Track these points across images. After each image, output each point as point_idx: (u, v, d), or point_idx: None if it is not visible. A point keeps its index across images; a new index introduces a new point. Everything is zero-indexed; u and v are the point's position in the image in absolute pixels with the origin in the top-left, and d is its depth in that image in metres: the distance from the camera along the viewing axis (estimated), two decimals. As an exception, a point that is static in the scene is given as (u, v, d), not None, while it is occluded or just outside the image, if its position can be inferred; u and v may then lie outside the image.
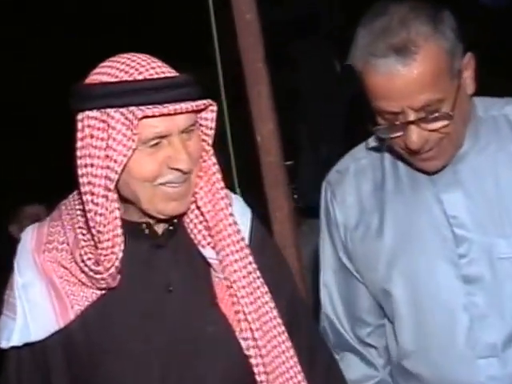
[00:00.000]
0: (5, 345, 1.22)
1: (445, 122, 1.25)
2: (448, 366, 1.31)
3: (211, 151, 1.26)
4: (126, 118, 1.12)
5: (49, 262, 1.22)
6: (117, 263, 1.18)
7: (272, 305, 1.28)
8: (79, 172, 1.16)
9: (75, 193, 1.26)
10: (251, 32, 2.13)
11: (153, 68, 1.17)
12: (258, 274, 1.28)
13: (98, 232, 1.15)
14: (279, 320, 1.28)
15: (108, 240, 1.15)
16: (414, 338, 1.38)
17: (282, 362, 1.25)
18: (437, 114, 1.25)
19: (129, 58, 1.19)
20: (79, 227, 1.21)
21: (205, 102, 1.20)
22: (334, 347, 1.50)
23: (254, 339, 1.23)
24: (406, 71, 1.21)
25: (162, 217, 1.22)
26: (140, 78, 1.14)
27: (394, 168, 1.41)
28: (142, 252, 1.25)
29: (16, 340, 1.21)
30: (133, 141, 1.13)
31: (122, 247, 1.18)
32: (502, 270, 1.29)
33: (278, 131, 2.21)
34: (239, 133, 2.35)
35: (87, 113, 1.15)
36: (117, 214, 1.17)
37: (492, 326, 1.28)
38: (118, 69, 1.16)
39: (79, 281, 1.21)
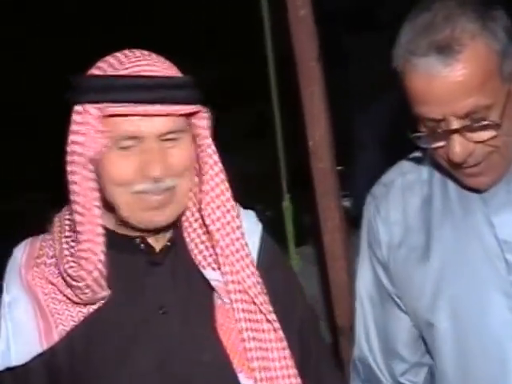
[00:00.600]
0: None
1: (493, 133, 1.09)
2: None
3: (211, 161, 1.14)
4: (99, 115, 1.06)
5: (37, 278, 1.15)
6: (99, 266, 1.09)
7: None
8: (67, 169, 1.11)
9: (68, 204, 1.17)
10: (305, 29, 2.01)
11: (140, 66, 1.08)
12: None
13: (78, 232, 1.08)
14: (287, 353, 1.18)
15: (87, 241, 1.08)
16: (458, 380, 1.22)
17: None
18: (484, 123, 1.09)
19: (125, 54, 1.12)
20: (65, 236, 1.14)
21: (192, 107, 1.09)
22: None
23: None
24: (447, 72, 1.07)
25: (143, 227, 1.12)
26: (123, 73, 1.08)
27: (443, 184, 1.26)
28: (137, 269, 1.16)
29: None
30: (102, 138, 1.07)
31: (104, 249, 1.10)
32: None
33: (330, 136, 2.08)
34: (289, 136, 2.23)
35: (74, 107, 1.09)
36: (96, 212, 1.09)
37: None
38: (108, 62, 1.10)
39: (65, 297, 1.12)
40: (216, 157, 1.14)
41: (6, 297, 1.15)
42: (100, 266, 1.09)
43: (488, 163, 1.13)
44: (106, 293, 1.12)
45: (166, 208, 1.11)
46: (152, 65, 1.09)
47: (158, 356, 1.12)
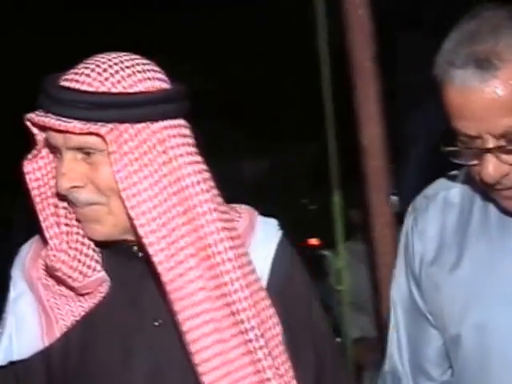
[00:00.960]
0: None
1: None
2: None
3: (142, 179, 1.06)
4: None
5: (41, 271, 1.15)
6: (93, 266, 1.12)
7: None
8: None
9: None
10: (362, 28, 2.02)
11: (74, 75, 1.08)
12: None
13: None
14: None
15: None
16: None
17: None
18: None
19: (85, 61, 1.10)
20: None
21: (87, 127, 1.03)
22: None
23: None
24: (483, 87, 1.01)
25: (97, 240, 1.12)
26: (61, 84, 1.07)
27: (484, 204, 1.20)
28: (134, 276, 1.14)
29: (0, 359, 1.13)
30: (41, 141, 1.10)
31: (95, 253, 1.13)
32: None
33: (383, 134, 2.12)
34: (341, 133, 2.27)
35: None
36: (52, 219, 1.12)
37: None
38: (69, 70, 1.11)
39: (65, 290, 1.13)
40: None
41: (12, 293, 1.17)
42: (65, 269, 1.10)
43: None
44: (99, 275, 1.13)
45: (99, 224, 1.09)
46: (87, 75, 1.07)
47: (152, 364, 1.12)
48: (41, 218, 1.11)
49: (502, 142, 1.03)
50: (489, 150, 1.04)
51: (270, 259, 1.18)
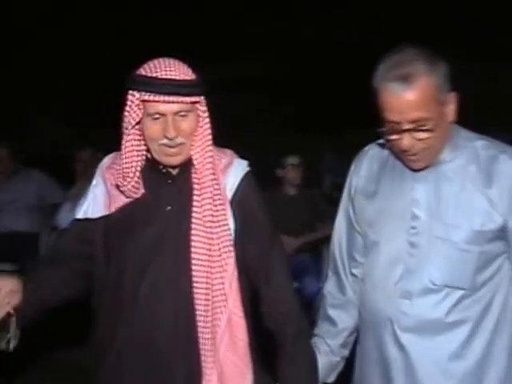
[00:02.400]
0: (77, 215, 1.84)
1: (427, 135, 1.70)
2: (381, 301, 1.83)
3: (205, 127, 1.76)
4: (138, 99, 1.69)
5: (109, 175, 1.82)
6: (135, 179, 1.76)
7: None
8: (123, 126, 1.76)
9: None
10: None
11: (164, 70, 1.68)
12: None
13: (125, 163, 1.76)
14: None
15: (131, 166, 1.76)
16: (370, 278, 1.89)
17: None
18: (423, 128, 1.69)
19: (159, 61, 1.72)
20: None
21: (191, 99, 1.70)
22: (329, 269, 2.07)
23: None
24: (404, 94, 1.67)
25: (165, 165, 1.76)
26: (153, 75, 1.68)
27: (393, 159, 1.87)
28: (159, 183, 1.79)
29: (81, 214, 1.83)
30: (139, 113, 1.71)
31: (137, 172, 1.76)
32: (434, 245, 1.76)
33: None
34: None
35: (129, 90, 1.72)
36: (135, 153, 1.77)
37: (413, 279, 1.77)
38: (149, 66, 1.71)
39: (119, 190, 1.78)
40: (208, 125, 1.77)
41: (93, 182, 1.86)
42: (136, 179, 1.76)
43: (422, 155, 1.74)
44: (140, 192, 1.78)
45: (178, 156, 1.74)
46: (173, 71, 1.69)
47: (157, 234, 1.74)
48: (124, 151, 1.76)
49: (413, 126, 1.69)
50: (405, 130, 1.70)
51: (238, 181, 1.81)
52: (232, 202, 1.78)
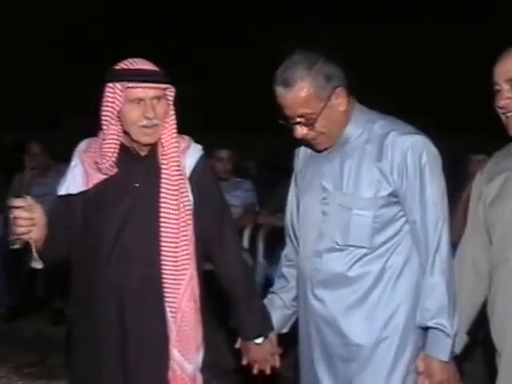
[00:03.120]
0: (59, 192, 2.11)
1: (313, 125, 2.05)
2: (303, 260, 2.18)
3: (171, 113, 2.10)
4: (120, 89, 2.01)
5: (86, 157, 2.10)
6: (113, 159, 2.05)
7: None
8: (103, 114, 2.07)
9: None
10: None
11: (141, 64, 2.04)
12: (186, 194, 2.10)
13: (107, 143, 2.06)
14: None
15: (110, 147, 2.05)
16: (299, 241, 2.24)
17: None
18: (309, 120, 2.05)
19: (133, 59, 2.06)
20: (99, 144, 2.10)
21: (162, 86, 2.05)
22: (286, 237, 2.36)
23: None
24: (288, 94, 2.03)
25: (142, 143, 2.06)
26: (133, 67, 2.03)
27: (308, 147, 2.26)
28: (129, 163, 2.08)
29: (64, 191, 2.10)
30: (122, 100, 2.02)
31: (115, 153, 2.04)
32: (338, 212, 2.09)
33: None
34: None
35: (107, 84, 2.04)
36: (115, 137, 2.06)
37: (323, 241, 2.11)
38: (125, 63, 2.05)
39: (96, 168, 2.06)
40: (173, 112, 2.10)
41: (72, 163, 2.13)
42: (113, 159, 2.04)
43: (319, 139, 2.10)
44: (114, 171, 2.06)
45: (154, 135, 2.05)
46: (146, 64, 2.05)
47: (128, 207, 2.05)
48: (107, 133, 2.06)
49: (301, 119, 2.05)
50: (295, 123, 2.06)
51: (195, 161, 2.14)
52: (190, 179, 2.11)
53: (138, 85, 2.00)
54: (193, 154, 2.15)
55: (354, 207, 2.06)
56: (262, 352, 2.24)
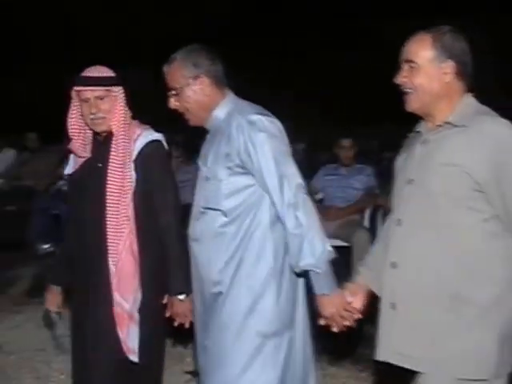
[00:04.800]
0: (65, 172, 2.86)
1: (180, 99, 2.47)
2: (191, 222, 2.54)
3: (119, 107, 2.65)
4: (75, 91, 2.63)
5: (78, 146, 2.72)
6: (79, 141, 2.70)
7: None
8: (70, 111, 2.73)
9: None
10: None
11: (88, 72, 2.62)
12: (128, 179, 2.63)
13: (71, 129, 2.71)
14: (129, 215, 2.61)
15: (78, 137, 2.71)
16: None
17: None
18: (176, 95, 2.48)
19: (89, 67, 2.64)
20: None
21: (102, 88, 2.61)
22: None
23: None
24: (166, 69, 2.49)
25: (96, 131, 2.65)
26: (81, 75, 2.61)
27: None
28: (96, 147, 2.69)
29: (66, 171, 2.82)
30: (76, 99, 2.64)
31: (80, 136, 2.70)
32: (204, 182, 2.46)
33: None
34: None
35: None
36: (76, 125, 2.71)
37: (195, 206, 2.52)
38: (84, 70, 2.64)
39: (77, 156, 2.72)
40: (122, 106, 2.65)
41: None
42: (80, 140, 2.68)
43: (188, 115, 2.50)
44: (86, 154, 2.69)
45: (101, 125, 2.62)
46: (91, 72, 2.61)
47: (94, 183, 2.62)
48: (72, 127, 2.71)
49: (172, 92, 2.49)
50: (170, 95, 2.51)
51: (142, 146, 2.64)
52: (135, 160, 2.63)
53: (83, 88, 2.60)
54: (142, 140, 2.66)
55: (209, 176, 2.43)
56: (183, 307, 2.61)
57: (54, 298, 2.84)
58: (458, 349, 2.02)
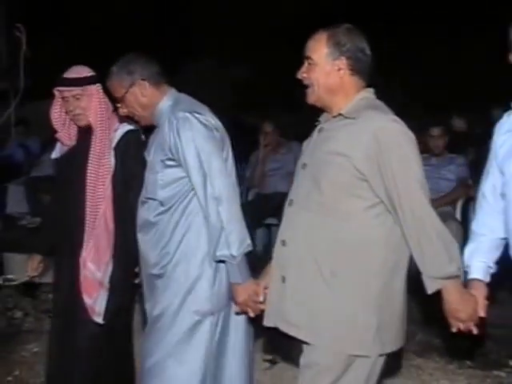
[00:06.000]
0: (52, 156, 3.17)
1: (125, 105, 2.70)
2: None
3: (95, 103, 2.92)
4: (56, 90, 2.94)
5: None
6: (64, 131, 3.01)
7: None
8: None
9: None
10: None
11: (66, 73, 2.90)
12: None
13: (54, 122, 3.02)
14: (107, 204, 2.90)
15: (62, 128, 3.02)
16: None
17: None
18: (122, 102, 2.70)
19: (71, 69, 2.92)
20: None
21: (77, 88, 2.89)
22: None
23: None
24: (108, 84, 2.71)
25: (78, 125, 2.96)
26: (61, 76, 2.90)
27: None
28: (81, 137, 2.98)
29: (53, 156, 3.14)
30: (58, 98, 2.94)
31: (63, 127, 3.01)
32: (148, 174, 2.68)
33: None
34: None
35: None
36: (63, 120, 3.01)
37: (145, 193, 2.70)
38: (67, 70, 2.94)
39: (62, 144, 3.05)
40: (97, 102, 2.93)
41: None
42: (64, 131, 3.00)
43: (137, 118, 2.74)
44: (71, 142, 3.01)
45: (81, 120, 2.92)
46: (68, 73, 2.90)
47: (75, 167, 2.91)
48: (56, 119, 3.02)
49: (119, 101, 2.72)
50: (119, 104, 2.77)
51: (120, 136, 2.93)
52: (115, 149, 2.91)
53: (61, 88, 2.92)
54: (120, 131, 2.96)
55: (150, 169, 2.65)
56: None
57: (35, 266, 3.20)
58: (332, 323, 2.18)
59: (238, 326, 2.68)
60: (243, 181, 6.00)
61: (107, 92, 2.82)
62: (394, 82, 11.89)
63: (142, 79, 2.66)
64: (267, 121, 6.41)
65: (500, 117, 2.36)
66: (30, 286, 4.64)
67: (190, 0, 14.19)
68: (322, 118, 2.35)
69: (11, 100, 5.70)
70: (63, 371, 2.98)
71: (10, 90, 5.66)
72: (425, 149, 5.43)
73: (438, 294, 2.15)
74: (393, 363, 2.85)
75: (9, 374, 3.88)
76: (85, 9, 13.48)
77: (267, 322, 2.33)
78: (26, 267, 3.24)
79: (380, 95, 2.31)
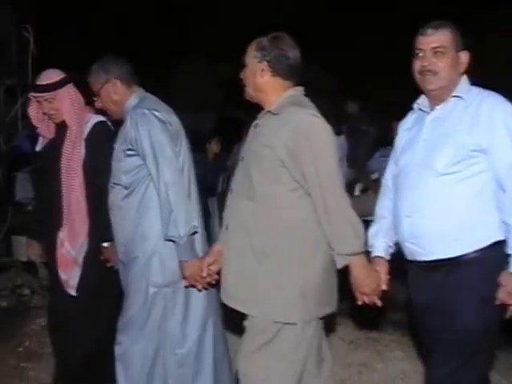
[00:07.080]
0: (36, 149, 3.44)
1: (100, 100, 3.08)
2: None
3: (66, 103, 3.21)
4: (31, 95, 3.23)
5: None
6: (43, 127, 3.30)
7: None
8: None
9: None
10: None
11: (38, 79, 3.18)
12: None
13: (33, 120, 3.31)
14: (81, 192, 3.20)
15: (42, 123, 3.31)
16: None
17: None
18: (99, 96, 3.08)
19: (41, 75, 3.20)
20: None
21: (49, 93, 3.19)
22: None
23: None
24: (88, 80, 3.03)
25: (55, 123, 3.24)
26: (35, 82, 3.20)
27: None
28: (58, 132, 3.25)
29: (37, 148, 3.39)
30: (34, 101, 3.22)
31: (42, 124, 3.30)
32: (115, 163, 3.01)
33: None
34: None
35: None
36: (36, 118, 3.30)
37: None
38: (38, 76, 3.24)
39: (43, 137, 3.34)
40: (68, 102, 3.21)
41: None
42: (43, 126, 3.31)
43: (110, 112, 3.12)
44: (51, 135, 3.31)
45: (56, 119, 3.22)
46: (39, 79, 3.18)
47: (52, 159, 3.18)
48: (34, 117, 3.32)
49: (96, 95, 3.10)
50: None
51: (89, 128, 3.23)
52: (86, 140, 3.21)
53: (34, 94, 3.22)
54: (90, 123, 3.24)
55: (115, 157, 2.96)
56: (109, 253, 3.18)
57: (34, 250, 3.49)
58: (263, 295, 2.45)
59: (198, 301, 2.99)
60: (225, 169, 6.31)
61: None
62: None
63: (115, 78, 3.00)
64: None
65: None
66: (35, 266, 5.06)
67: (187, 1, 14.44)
68: (260, 115, 2.62)
69: (18, 97, 6.05)
70: (59, 339, 3.36)
71: (18, 87, 5.99)
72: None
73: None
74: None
75: (19, 345, 4.28)
76: (85, 9, 13.74)
77: (222, 298, 2.63)
78: (27, 250, 3.62)
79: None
